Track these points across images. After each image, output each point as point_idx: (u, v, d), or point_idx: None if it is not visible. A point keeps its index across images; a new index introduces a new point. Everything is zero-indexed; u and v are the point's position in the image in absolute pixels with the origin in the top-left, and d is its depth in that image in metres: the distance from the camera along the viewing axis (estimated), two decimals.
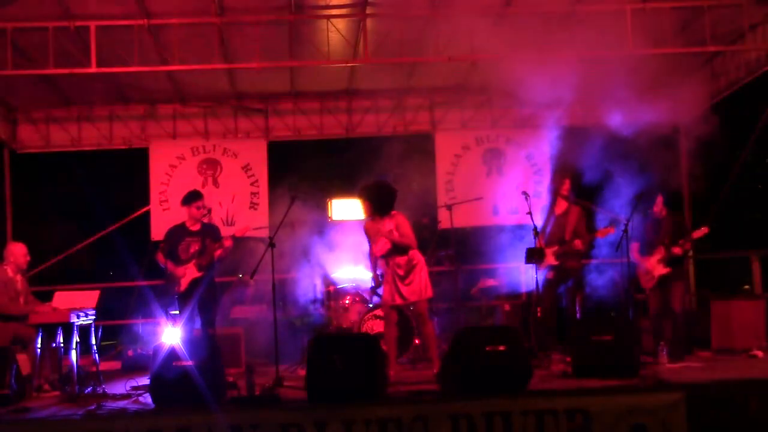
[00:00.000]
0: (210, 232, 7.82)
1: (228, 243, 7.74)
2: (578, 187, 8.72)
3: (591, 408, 5.64)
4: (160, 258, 7.75)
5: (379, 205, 7.50)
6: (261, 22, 8.63)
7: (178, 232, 7.82)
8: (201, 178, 10.81)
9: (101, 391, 6.99)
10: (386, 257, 7.46)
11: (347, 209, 9.93)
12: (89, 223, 12.13)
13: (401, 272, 7.38)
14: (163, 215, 10.55)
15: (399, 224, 7.42)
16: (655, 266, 7.99)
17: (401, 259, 7.39)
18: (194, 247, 7.70)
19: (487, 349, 6.08)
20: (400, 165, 9.87)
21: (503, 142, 11.10)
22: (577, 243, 7.87)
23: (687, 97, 8.93)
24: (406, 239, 7.40)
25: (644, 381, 6.32)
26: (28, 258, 7.93)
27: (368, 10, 8.75)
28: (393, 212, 7.49)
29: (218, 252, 7.70)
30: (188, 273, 7.63)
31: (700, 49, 9.02)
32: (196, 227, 7.81)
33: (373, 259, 7.69)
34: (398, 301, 7.42)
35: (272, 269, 7.23)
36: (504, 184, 10.94)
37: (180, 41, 8.65)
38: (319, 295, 9.40)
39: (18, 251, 7.85)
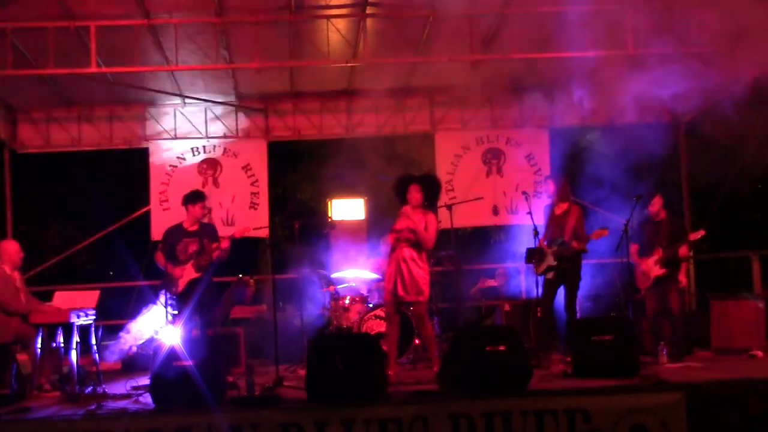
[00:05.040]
0: (208, 233, 7.80)
1: (225, 245, 7.69)
2: (577, 187, 8.73)
3: (591, 408, 5.65)
4: (160, 259, 7.74)
5: (433, 195, 7.53)
6: (261, 22, 8.62)
7: (175, 233, 7.80)
8: (201, 178, 10.80)
9: (101, 391, 6.96)
10: (399, 242, 7.43)
11: (347, 209, 9.92)
12: (89, 223, 12.13)
13: (404, 267, 7.37)
14: (163, 215, 10.52)
15: (428, 223, 7.42)
16: (651, 267, 8.00)
17: (408, 253, 7.38)
18: (192, 248, 7.68)
19: (487, 349, 6.07)
20: (400, 165, 9.86)
21: (503, 142, 11.10)
22: (575, 244, 7.87)
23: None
24: (427, 237, 7.36)
25: (644, 381, 6.31)
26: (22, 254, 7.85)
27: (368, 10, 8.74)
28: (429, 211, 7.51)
29: (216, 254, 7.68)
30: (186, 274, 7.61)
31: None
32: (194, 227, 7.79)
33: (392, 241, 7.59)
34: (399, 290, 7.38)
35: (272, 269, 7.24)
36: (504, 184, 10.97)
37: (180, 41, 8.65)
38: (319, 295, 9.40)
39: (11, 249, 7.78)
